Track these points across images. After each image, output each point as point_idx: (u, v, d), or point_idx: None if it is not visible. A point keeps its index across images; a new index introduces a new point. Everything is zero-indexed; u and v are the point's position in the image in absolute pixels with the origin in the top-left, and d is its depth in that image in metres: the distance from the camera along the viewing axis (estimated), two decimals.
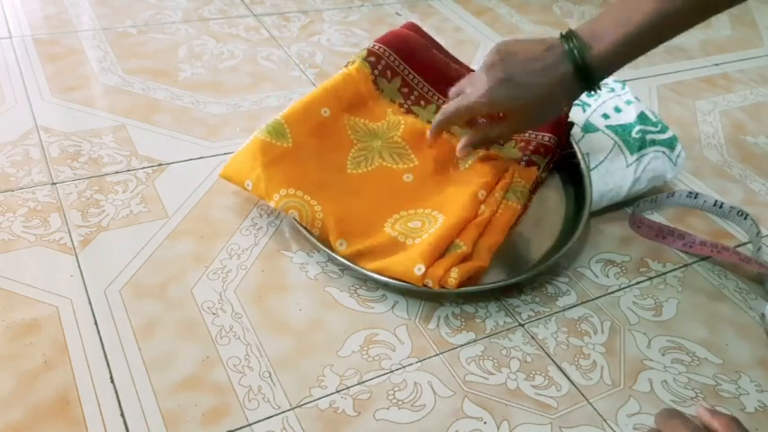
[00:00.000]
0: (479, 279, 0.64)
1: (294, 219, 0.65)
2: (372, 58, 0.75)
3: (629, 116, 0.78)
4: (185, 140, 0.79)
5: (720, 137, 0.94)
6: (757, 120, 0.99)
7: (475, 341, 0.60)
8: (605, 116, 0.78)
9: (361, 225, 0.65)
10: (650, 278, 0.69)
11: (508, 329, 0.62)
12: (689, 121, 0.96)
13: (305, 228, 0.65)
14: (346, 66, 0.76)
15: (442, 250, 0.62)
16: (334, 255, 0.64)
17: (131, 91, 0.86)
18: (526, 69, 0.60)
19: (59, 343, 0.55)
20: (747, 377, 0.60)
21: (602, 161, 0.74)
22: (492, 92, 0.61)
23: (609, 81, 0.82)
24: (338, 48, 1.02)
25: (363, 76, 0.74)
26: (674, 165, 0.77)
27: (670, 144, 0.77)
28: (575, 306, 0.65)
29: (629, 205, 0.77)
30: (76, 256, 0.63)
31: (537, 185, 0.72)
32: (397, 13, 1.15)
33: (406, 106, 0.75)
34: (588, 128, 0.77)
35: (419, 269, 0.60)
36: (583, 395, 0.57)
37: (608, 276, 0.69)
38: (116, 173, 0.73)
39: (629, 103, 0.80)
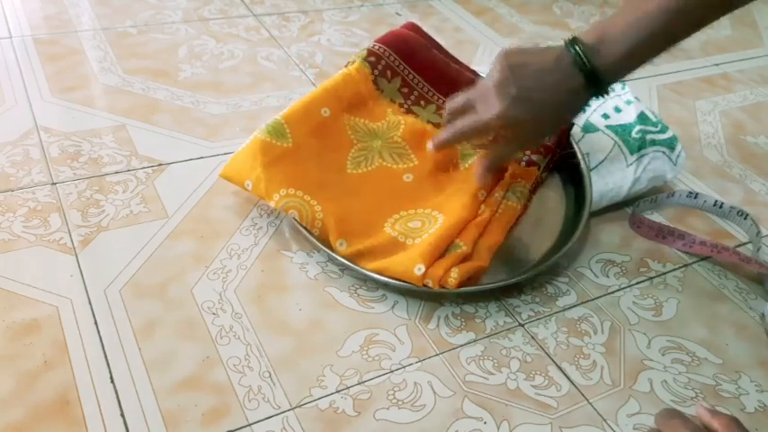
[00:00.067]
0: (479, 279, 0.64)
1: (294, 219, 0.65)
2: (372, 58, 0.75)
3: (629, 116, 0.78)
4: (185, 140, 0.79)
5: (720, 137, 0.94)
6: (757, 120, 0.99)
7: (475, 341, 0.60)
8: (605, 116, 0.78)
9: (361, 225, 0.65)
10: (650, 278, 0.69)
11: (508, 329, 0.62)
12: (689, 121, 0.96)
13: (305, 228, 0.65)
14: (346, 66, 0.76)
15: (442, 250, 0.62)
16: (334, 255, 0.64)
17: (131, 91, 0.86)
18: (539, 85, 0.58)
19: (59, 343, 0.55)
20: (747, 377, 0.60)
21: (602, 161, 0.74)
22: (507, 111, 0.58)
23: None
24: (338, 48, 1.02)
25: (363, 76, 0.74)
26: (674, 165, 0.77)
27: (670, 144, 0.77)
28: (575, 306, 0.65)
29: (629, 205, 0.77)
30: (76, 256, 0.63)
31: (537, 185, 0.72)
32: (397, 13, 1.15)
33: (406, 106, 0.75)
34: (588, 128, 0.77)
35: (419, 269, 0.60)
36: (583, 395, 0.57)
37: (608, 276, 0.69)
38: (116, 173, 0.73)
39: (629, 103, 0.80)
